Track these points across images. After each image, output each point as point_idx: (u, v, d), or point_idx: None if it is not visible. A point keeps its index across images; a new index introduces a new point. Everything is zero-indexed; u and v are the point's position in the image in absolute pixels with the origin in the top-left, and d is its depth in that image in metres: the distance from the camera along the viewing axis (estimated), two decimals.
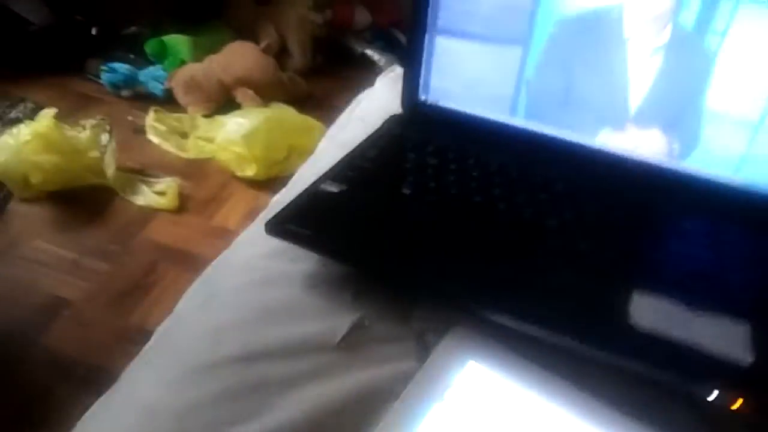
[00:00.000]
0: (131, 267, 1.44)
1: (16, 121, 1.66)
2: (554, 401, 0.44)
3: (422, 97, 0.67)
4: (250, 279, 0.54)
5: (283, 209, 0.55)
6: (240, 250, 0.61)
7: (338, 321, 0.50)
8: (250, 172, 1.66)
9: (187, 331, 0.51)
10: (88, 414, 0.49)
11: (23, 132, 1.52)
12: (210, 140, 1.73)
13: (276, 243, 0.56)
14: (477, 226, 0.54)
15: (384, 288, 0.52)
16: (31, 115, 1.67)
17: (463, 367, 0.46)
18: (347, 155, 0.62)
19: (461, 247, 0.52)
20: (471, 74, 0.64)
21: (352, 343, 0.48)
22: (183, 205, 1.61)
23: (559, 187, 0.58)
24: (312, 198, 0.56)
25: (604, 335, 0.45)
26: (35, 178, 1.51)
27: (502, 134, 0.64)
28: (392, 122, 0.68)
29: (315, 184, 0.58)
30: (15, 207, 1.53)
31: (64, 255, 1.44)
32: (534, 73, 0.62)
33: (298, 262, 0.55)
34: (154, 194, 1.60)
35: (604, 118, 0.61)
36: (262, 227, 0.55)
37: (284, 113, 1.78)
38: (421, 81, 0.67)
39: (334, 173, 0.59)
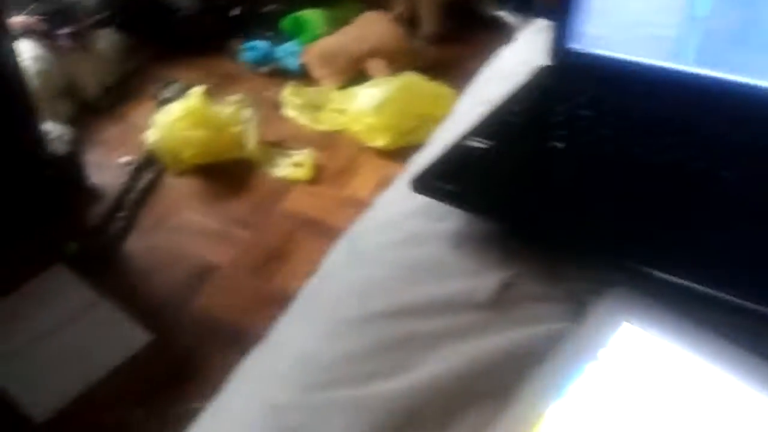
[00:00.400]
0: (271, 235, 1.50)
1: (169, 100, 1.79)
2: (719, 365, 0.39)
3: (574, 45, 0.62)
4: (396, 237, 0.53)
5: (429, 166, 0.53)
6: (383, 209, 0.60)
7: (487, 279, 0.47)
8: (381, 142, 1.67)
9: (335, 287, 0.52)
10: (246, 362, 0.50)
11: (175, 109, 1.63)
12: (343, 112, 1.76)
13: (419, 202, 0.55)
14: (638, 180, 0.50)
15: (535, 246, 0.49)
16: (181, 95, 1.78)
17: (619, 327, 0.42)
18: (493, 110, 0.59)
19: (620, 202, 0.48)
20: (630, 16, 0.58)
21: (501, 301, 0.46)
22: (317, 176, 1.65)
23: (736, 136, 0.52)
24: (458, 154, 0.54)
25: None
26: (186, 153, 1.62)
27: (666, 81, 0.58)
28: (540, 74, 0.64)
29: (460, 140, 0.55)
30: (169, 180, 1.65)
31: (212, 224, 1.53)
32: (706, 9, 0.55)
33: (443, 220, 0.53)
34: (291, 166, 1.66)
35: None
36: (404, 187, 0.54)
37: (415, 82, 1.77)
38: (573, 27, 0.62)
39: (480, 128, 0.56)
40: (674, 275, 0.42)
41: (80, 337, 1.28)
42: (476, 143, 0.54)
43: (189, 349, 1.25)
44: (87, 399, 1.17)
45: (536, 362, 0.41)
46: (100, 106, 1.83)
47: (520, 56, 0.76)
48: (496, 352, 0.43)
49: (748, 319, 0.40)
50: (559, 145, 0.53)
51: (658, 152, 0.51)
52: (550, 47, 0.64)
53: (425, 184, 0.51)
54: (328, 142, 1.75)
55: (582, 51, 0.62)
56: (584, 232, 0.47)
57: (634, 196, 0.48)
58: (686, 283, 0.42)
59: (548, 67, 0.64)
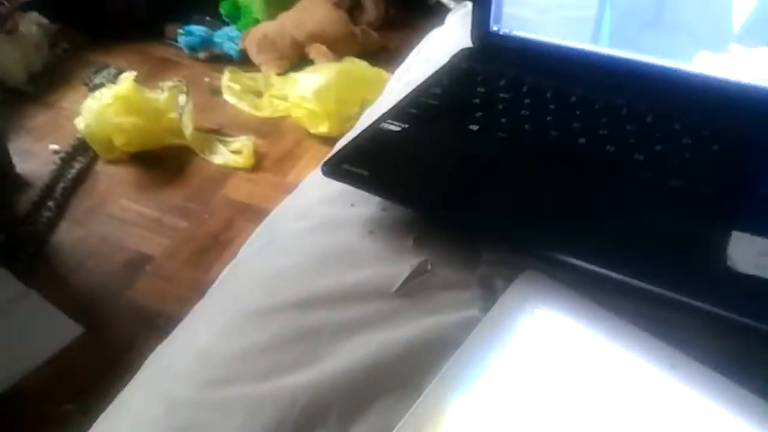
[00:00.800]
0: (209, 224, 1.47)
1: (101, 86, 1.72)
2: (629, 350, 0.39)
3: (494, 27, 0.61)
4: (308, 224, 0.52)
5: (341, 150, 0.51)
6: (300, 195, 0.58)
7: (398, 267, 0.46)
8: (323, 128, 1.64)
9: (243, 277, 0.50)
10: (150, 357, 0.48)
11: (105, 95, 1.57)
12: (284, 98, 1.73)
13: (336, 188, 0.53)
14: (552, 164, 0.49)
15: (448, 232, 0.48)
16: (114, 80, 1.72)
17: (532, 314, 0.41)
18: (410, 92, 0.57)
19: (534, 187, 0.47)
20: None
21: (412, 289, 0.45)
22: (258, 163, 1.62)
23: (648, 118, 0.51)
24: (371, 138, 0.52)
25: (697, 283, 0.40)
26: (118, 140, 1.56)
27: (582, 63, 0.58)
28: (460, 56, 0.62)
29: (375, 123, 0.54)
30: (101, 168, 1.59)
31: (147, 213, 1.49)
32: None
33: (357, 206, 0.51)
34: (231, 153, 1.62)
35: (702, 40, 0.53)
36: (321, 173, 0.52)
37: (356, 67, 1.74)
38: (493, 9, 0.61)
39: (396, 111, 0.55)
40: (584, 260, 0.42)
41: (7, 330, 1.23)
42: (391, 126, 0.53)
43: (122, 343, 1.21)
44: (15, 394, 1.13)
45: (446, 352, 0.40)
46: (27, 92, 1.75)
47: (448, 40, 0.75)
48: (407, 342, 0.42)
49: (659, 305, 0.40)
50: (476, 128, 0.52)
51: (574, 135, 0.51)
52: (472, 28, 0.63)
53: (336, 168, 0.49)
54: (269, 128, 1.71)
55: (503, 33, 0.61)
56: (496, 217, 0.46)
57: (547, 180, 0.48)
58: (596, 268, 0.41)
59: (470, 48, 0.63)
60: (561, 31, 0.58)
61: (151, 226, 1.45)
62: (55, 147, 1.60)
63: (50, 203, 1.46)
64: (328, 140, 1.66)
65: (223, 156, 1.62)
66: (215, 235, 1.44)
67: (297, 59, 1.86)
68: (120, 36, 1.95)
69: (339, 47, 1.84)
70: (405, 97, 0.57)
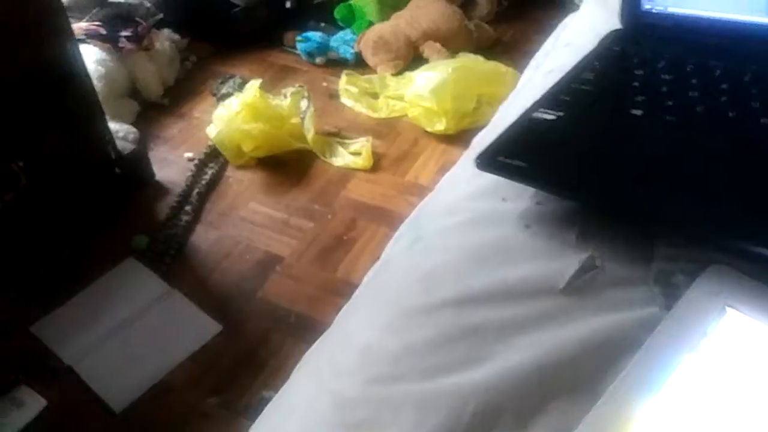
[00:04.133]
0: (333, 224, 1.50)
1: (227, 95, 1.81)
2: None
3: (646, 6, 0.57)
4: (458, 220, 0.50)
5: (494, 142, 0.50)
6: (445, 191, 0.57)
7: (562, 262, 0.44)
8: (439, 126, 1.63)
9: (397, 275, 0.49)
10: (306, 354, 0.49)
11: (234, 104, 1.64)
12: (400, 98, 1.73)
13: (484, 181, 0.52)
14: (732, 146, 0.45)
15: (617, 224, 0.45)
16: (239, 89, 1.80)
17: (722, 312, 0.37)
18: (561, 79, 0.55)
19: (712, 173, 0.43)
20: None
21: (581, 286, 0.42)
22: (377, 163, 1.64)
23: None
24: (525, 127, 0.50)
25: None
26: (247, 146, 1.63)
27: (751, 36, 0.52)
28: (611, 39, 0.59)
29: (527, 112, 0.51)
30: (231, 173, 1.67)
31: (275, 215, 1.54)
32: None
33: (509, 200, 0.50)
34: (350, 155, 1.65)
35: None
36: (468, 167, 0.51)
37: (472, 62, 1.72)
38: None
39: (548, 99, 0.52)
40: None
41: (154, 327, 1.31)
42: (545, 115, 0.50)
43: (258, 339, 1.27)
44: (162, 389, 1.20)
45: (623, 353, 0.38)
46: (163, 104, 1.87)
47: (587, 24, 0.71)
48: (580, 341, 0.40)
49: None
50: (638, 112, 0.49)
51: (755, 115, 0.46)
52: (621, 9, 0.59)
53: (490, 160, 0.48)
54: (386, 129, 1.73)
55: (656, 11, 0.57)
56: (671, 207, 0.42)
57: (728, 165, 0.43)
58: None
59: (620, 30, 0.59)
60: (721, 3, 0.53)
61: (279, 228, 1.51)
62: (189, 155, 1.70)
63: (187, 207, 1.55)
64: (445, 138, 1.65)
65: (343, 158, 1.65)
66: (339, 235, 1.47)
67: (411, 58, 1.86)
68: (243, 46, 2.04)
69: (453, 43, 1.83)
70: (556, 84, 0.54)
